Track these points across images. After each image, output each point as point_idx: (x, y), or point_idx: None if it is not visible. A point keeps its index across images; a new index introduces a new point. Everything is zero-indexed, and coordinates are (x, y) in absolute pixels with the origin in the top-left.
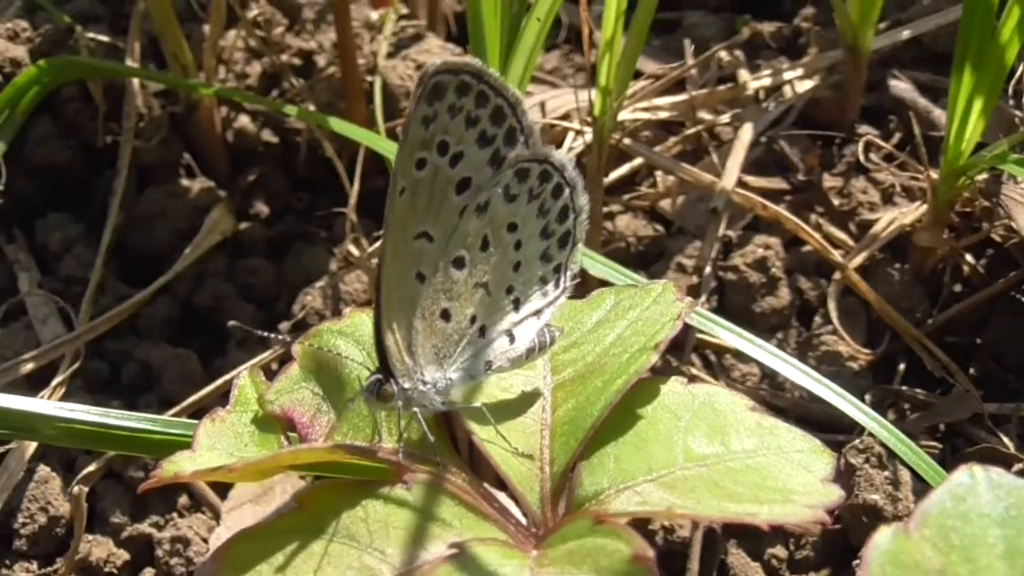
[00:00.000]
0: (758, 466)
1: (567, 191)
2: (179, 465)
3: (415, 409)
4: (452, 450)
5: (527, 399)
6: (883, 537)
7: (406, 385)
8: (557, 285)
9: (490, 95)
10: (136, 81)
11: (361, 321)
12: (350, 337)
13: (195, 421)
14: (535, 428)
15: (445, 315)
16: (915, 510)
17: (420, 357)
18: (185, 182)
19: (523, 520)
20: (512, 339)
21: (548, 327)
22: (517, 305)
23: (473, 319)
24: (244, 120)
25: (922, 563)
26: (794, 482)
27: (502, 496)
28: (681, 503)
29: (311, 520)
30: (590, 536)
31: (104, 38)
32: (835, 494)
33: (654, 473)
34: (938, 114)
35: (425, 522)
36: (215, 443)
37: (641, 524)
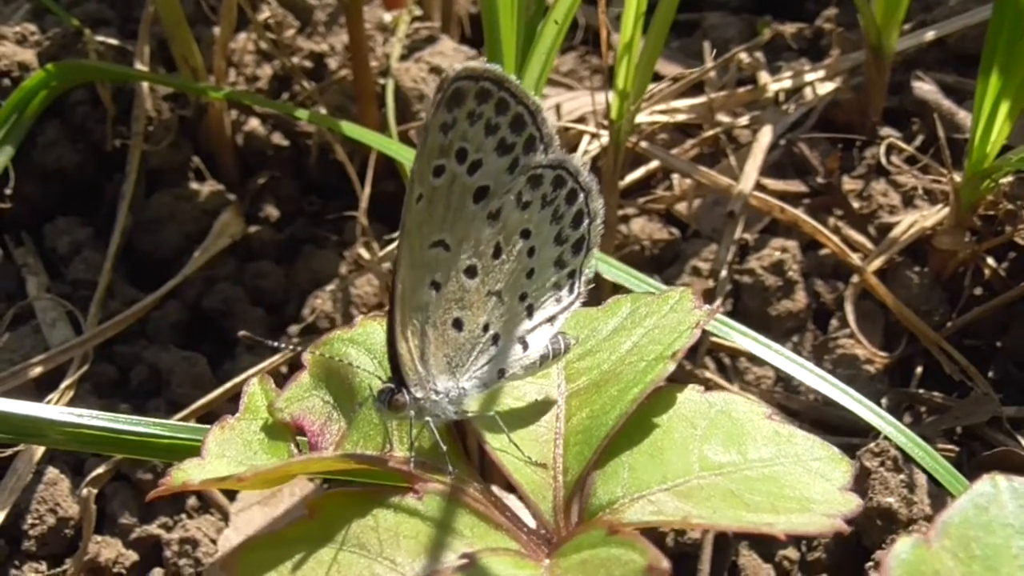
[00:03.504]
0: (775, 475)
1: (581, 196)
2: (188, 473)
3: (427, 418)
4: (464, 459)
5: (540, 408)
6: (903, 547)
7: (419, 394)
8: (571, 291)
9: (510, 102)
10: (145, 84)
11: (372, 329)
12: (361, 345)
13: (204, 426)
14: (549, 437)
15: (457, 324)
16: (936, 519)
17: (433, 366)
18: (194, 185)
19: (536, 529)
20: (525, 346)
21: (562, 334)
22: (531, 312)
23: (486, 327)
24: (254, 123)
25: (942, 573)
26: (812, 491)
27: (514, 504)
28: (696, 512)
29: (321, 528)
30: (604, 546)
31: (113, 41)
32: (853, 503)
33: (669, 482)
34: (962, 116)
35: (436, 531)
36: (224, 451)
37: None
